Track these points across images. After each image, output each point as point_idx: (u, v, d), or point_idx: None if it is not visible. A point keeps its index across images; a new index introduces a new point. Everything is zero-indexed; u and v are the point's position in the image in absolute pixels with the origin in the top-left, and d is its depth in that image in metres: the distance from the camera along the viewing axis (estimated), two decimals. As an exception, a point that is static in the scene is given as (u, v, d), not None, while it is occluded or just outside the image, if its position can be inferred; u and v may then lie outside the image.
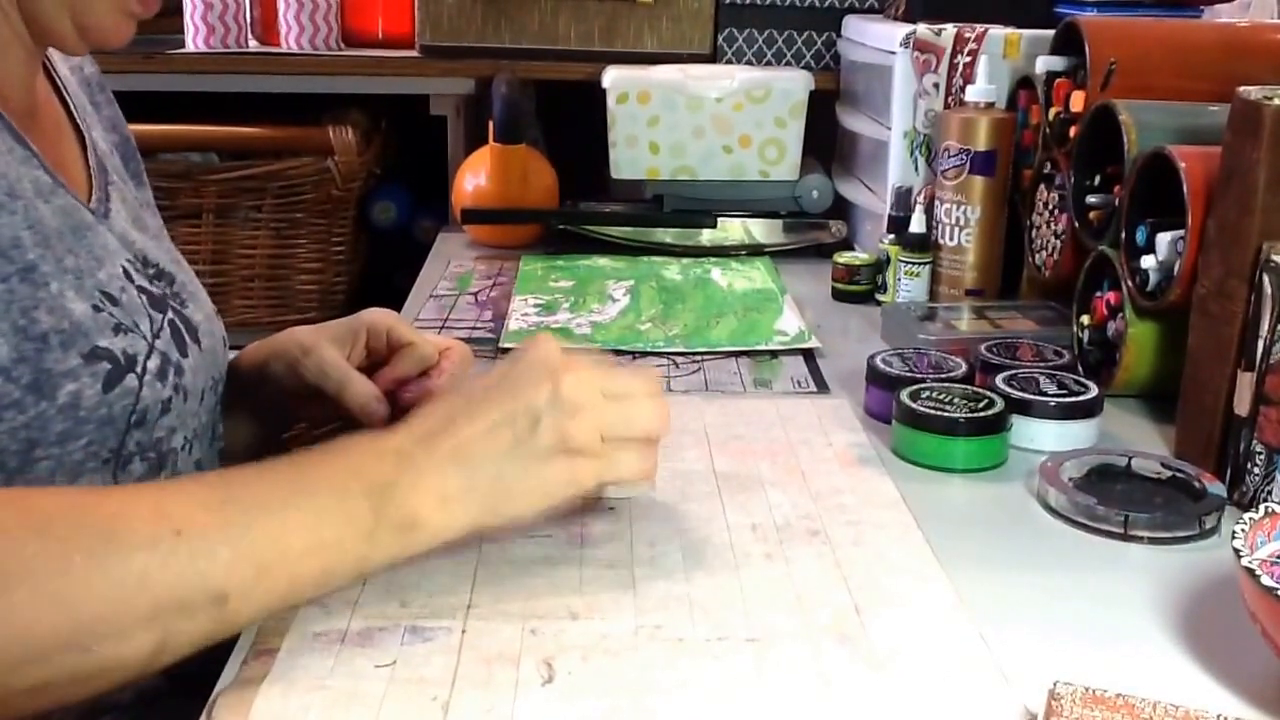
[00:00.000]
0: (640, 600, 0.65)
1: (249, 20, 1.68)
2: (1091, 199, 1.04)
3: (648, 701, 0.56)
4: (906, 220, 1.23)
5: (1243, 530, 0.59)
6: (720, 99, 1.48)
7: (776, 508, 0.77)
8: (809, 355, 1.10)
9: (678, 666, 0.59)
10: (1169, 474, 0.80)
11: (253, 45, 1.70)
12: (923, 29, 1.26)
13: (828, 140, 1.60)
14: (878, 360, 0.95)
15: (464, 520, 0.62)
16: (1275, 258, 0.76)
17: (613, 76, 1.48)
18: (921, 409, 0.85)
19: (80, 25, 0.69)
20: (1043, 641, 0.63)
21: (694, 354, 1.10)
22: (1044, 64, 1.14)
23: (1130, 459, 0.82)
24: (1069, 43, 1.12)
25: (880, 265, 1.26)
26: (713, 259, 1.43)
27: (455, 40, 1.61)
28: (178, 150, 1.57)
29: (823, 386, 1.02)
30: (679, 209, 1.50)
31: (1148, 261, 0.92)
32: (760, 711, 0.55)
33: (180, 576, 0.53)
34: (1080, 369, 0.99)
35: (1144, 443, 0.90)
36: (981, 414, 0.84)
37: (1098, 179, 1.05)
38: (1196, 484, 0.78)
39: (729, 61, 1.62)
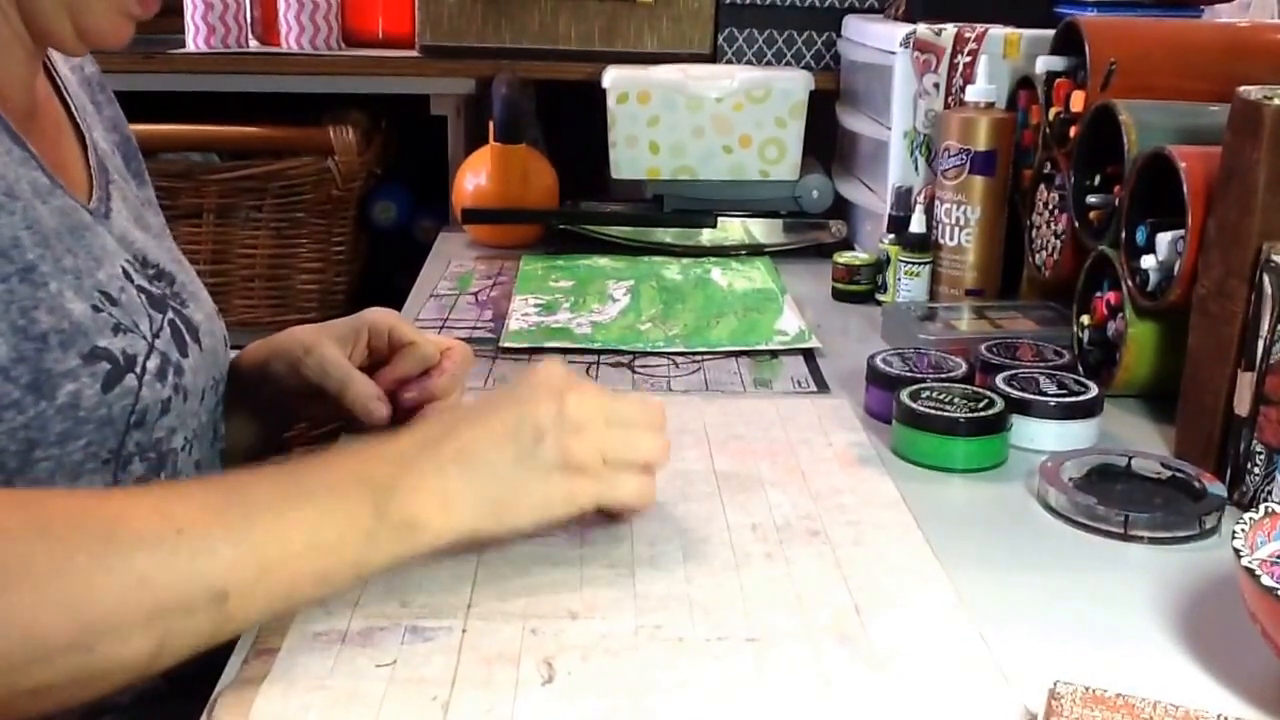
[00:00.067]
0: (640, 600, 0.65)
1: (249, 20, 1.69)
2: (1091, 199, 1.04)
3: (648, 701, 0.56)
4: (906, 220, 1.23)
5: (1243, 530, 0.59)
6: (720, 99, 1.48)
7: (776, 508, 0.77)
8: (809, 355, 1.10)
9: (678, 666, 0.59)
10: (1169, 474, 0.80)
11: (253, 45, 1.71)
12: (923, 29, 1.26)
13: (828, 140, 1.60)
14: (878, 360, 0.96)
15: (465, 523, 0.62)
16: (1275, 258, 0.76)
17: (613, 76, 1.48)
18: (921, 409, 0.85)
19: (79, 26, 0.69)
20: (1043, 641, 0.63)
21: (694, 354, 1.10)
22: (1044, 64, 1.14)
23: (1130, 459, 0.82)
24: (1069, 43, 1.12)
25: (880, 265, 1.26)
26: (713, 259, 1.43)
27: (455, 40, 1.61)
28: (178, 150, 1.57)
29: (823, 386, 1.02)
30: (679, 209, 1.50)
31: (1148, 261, 0.92)
32: (760, 711, 0.56)
33: (181, 575, 0.53)
34: (1080, 369, 0.99)
35: (1144, 443, 0.90)
36: (981, 414, 0.84)
37: (1098, 179, 1.05)
38: (1196, 484, 0.78)
39: (729, 61, 1.62)
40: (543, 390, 0.65)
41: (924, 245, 1.22)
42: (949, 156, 1.20)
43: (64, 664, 0.51)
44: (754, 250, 1.46)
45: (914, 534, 0.74)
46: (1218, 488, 0.77)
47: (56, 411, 0.63)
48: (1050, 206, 1.14)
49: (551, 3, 1.60)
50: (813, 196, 1.51)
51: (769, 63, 1.62)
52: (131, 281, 0.71)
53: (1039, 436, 0.87)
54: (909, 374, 0.93)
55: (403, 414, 0.82)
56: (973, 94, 1.20)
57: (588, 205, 1.51)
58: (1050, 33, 1.17)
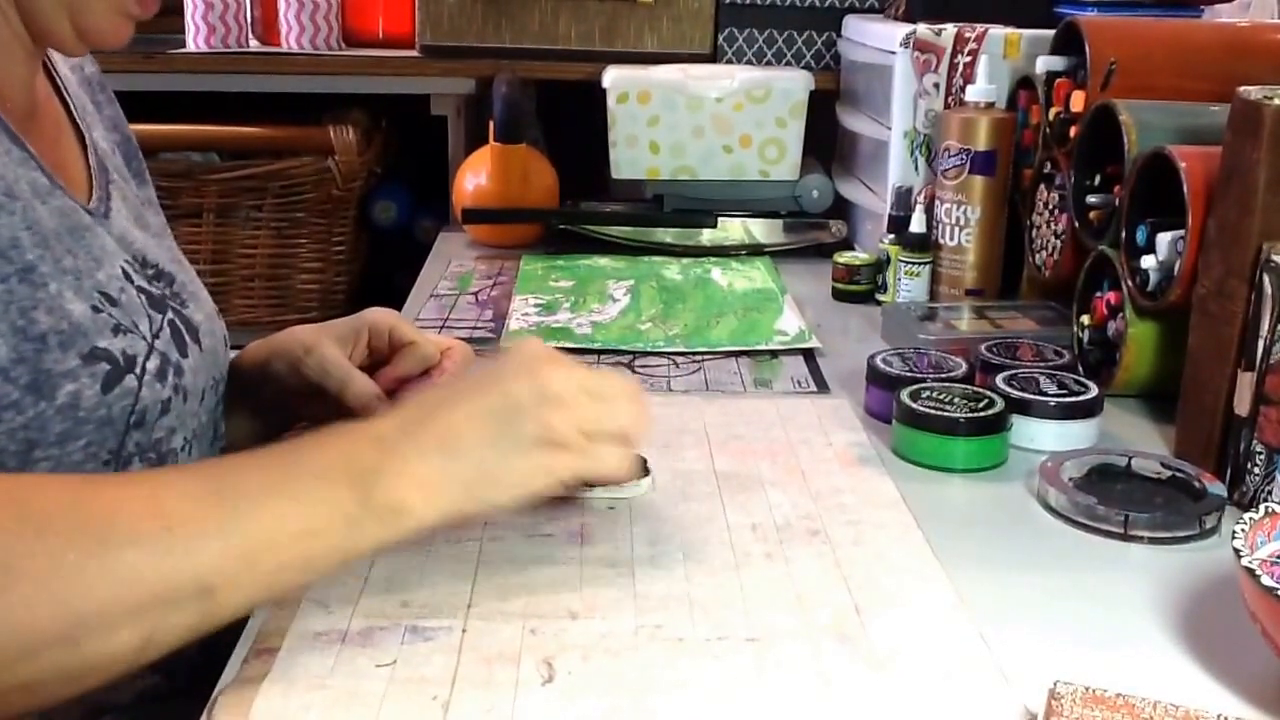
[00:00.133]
0: (640, 600, 0.65)
1: (249, 20, 1.69)
2: (1091, 199, 1.04)
3: (648, 701, 0.56)
4: (906, 220, 1.23)
5: (1243, 530, 0.59)
6: (720, 99, 1.48)
7: (776, 507, 0.77)
8: (809, 355, 1.10)
9: (678, 666, 0.59)
10: (1169, 474, 0.80)
11: (253, 45, 1.71)
12: (923, 29, 1.26)
13: (828, 140, 1.60)
14: (878, 360, 0.96)
15: (446, 505, 0.62)
16: (1275, 258, 0.76)
17: (613, 76, 1.48)
18: (921, 409, 0.85)
19: (78, 26, 0.69)
20: (1043, 641, 0.63)
21: (694, 354, 1.10)
22: (1044, 64, 1.14)
23: (1130, 459, 0.82)
24: (1069, 43, 1.12)
25: (880, 265, 1.26)
26: (713, 259, 1.43)
27: (455, 40, 1.61)
28: (178, 150, 1.57)
29: (823, 386, 1.02)
30: (679, 209, 1.50)
31: (1148, 261, 0.92)
32: (760, 711, 0.56)
33: (171, 572, 0.53)
34: (1080, 369, 0.99)
35: (1144, 443, 0.90)
36: (981, 414, 0.84)
37: (1098, 179, 1.05)
38: (1196, 484, 0.78)
39: (729, 61, 1.62)
40: (520, 367, 0.65)
41: (924, 245, 1.22)
42: (949, 156, 1.20)
43: (51, 659, 0.51)
44: (754, 250, 1.46)
45: (914, 534, 0.74)
46: (1218, 488, 0.77)
47: (56, 412, 0.63)
48: (1050, 206, 1.14)
49: (551, 3, 1.60)
50: (813, 196, 1.51)
51: (769, 63, 1.62)
52: (131, 282, 0.71)
53: (1039, 436, 0.87)
54: (909, 374, 0.93)
55: None
56: (973, 94, 1.20)
57: (588, 205, 1.51)
58: (1050, 33, 1.17)
